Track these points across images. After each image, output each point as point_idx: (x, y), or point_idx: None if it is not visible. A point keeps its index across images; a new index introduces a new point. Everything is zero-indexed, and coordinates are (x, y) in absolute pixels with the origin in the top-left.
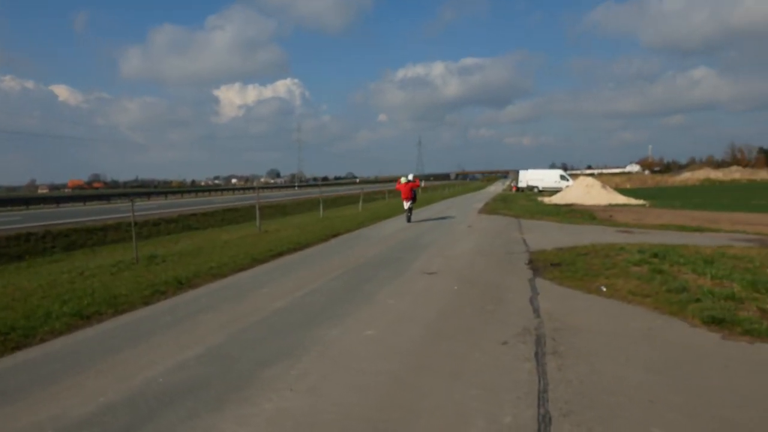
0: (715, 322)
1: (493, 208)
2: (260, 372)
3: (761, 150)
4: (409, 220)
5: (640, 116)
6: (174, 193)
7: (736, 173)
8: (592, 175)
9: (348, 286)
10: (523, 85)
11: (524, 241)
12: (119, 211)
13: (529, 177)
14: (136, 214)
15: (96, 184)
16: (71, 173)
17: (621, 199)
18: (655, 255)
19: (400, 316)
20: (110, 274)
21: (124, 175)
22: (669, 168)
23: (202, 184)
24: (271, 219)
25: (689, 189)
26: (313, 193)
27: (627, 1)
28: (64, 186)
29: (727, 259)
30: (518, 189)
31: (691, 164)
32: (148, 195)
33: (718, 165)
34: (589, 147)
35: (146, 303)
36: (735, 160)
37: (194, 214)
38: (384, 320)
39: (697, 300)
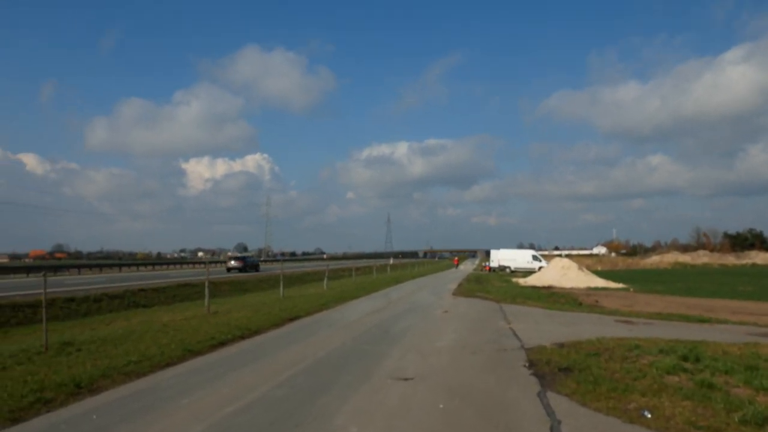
0: None
1: (468, 289)
2: None
3: (726, 235)
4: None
5: (601, 199)
6: (130, 265)
7: (704, 257)
8: (560, 255)
9: (296, 399)
10: (486, 167)
11: (514, 332)
12: (63, 284)
13: (501, 256)
14: (78, 288)
15: (58, 255)
16: (35, 243)
17: (600, 282)
18: (685, 358)
19: None
20: (0, 369)
21: (89, 246)
22: (635, 251)
23: (168, 256)
24: (228, 297)
25: (662, 272)
26: (278, 269)
27: (581, 90)
28: (26, 255)
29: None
30: (491, 269)
31: (657, 247)
32: (101, 267)
33: (685, 249)
34: (552, 228)
35: (15, 420)
36: (700, 244)
37: (144, 290)
38: None
39: None
